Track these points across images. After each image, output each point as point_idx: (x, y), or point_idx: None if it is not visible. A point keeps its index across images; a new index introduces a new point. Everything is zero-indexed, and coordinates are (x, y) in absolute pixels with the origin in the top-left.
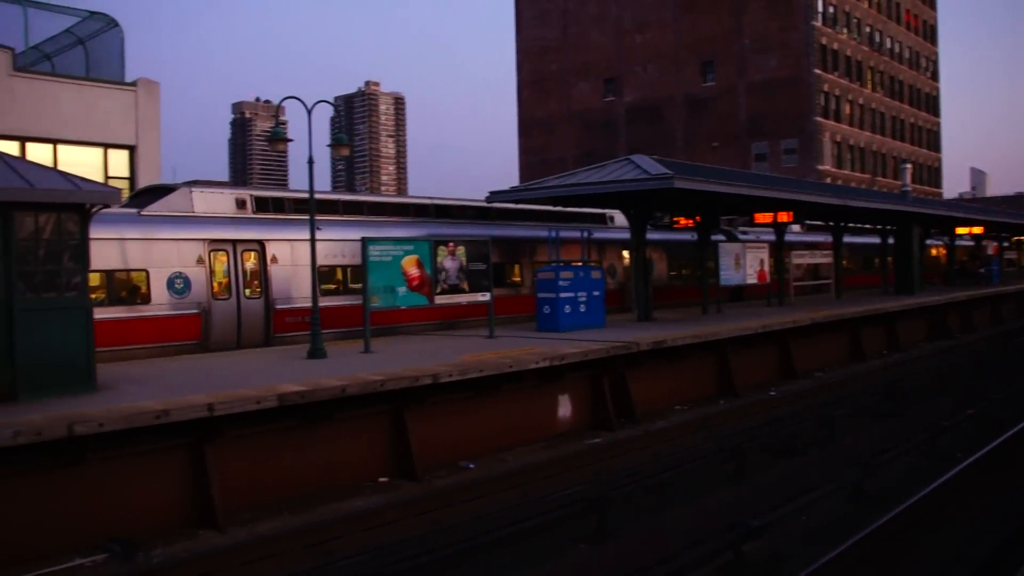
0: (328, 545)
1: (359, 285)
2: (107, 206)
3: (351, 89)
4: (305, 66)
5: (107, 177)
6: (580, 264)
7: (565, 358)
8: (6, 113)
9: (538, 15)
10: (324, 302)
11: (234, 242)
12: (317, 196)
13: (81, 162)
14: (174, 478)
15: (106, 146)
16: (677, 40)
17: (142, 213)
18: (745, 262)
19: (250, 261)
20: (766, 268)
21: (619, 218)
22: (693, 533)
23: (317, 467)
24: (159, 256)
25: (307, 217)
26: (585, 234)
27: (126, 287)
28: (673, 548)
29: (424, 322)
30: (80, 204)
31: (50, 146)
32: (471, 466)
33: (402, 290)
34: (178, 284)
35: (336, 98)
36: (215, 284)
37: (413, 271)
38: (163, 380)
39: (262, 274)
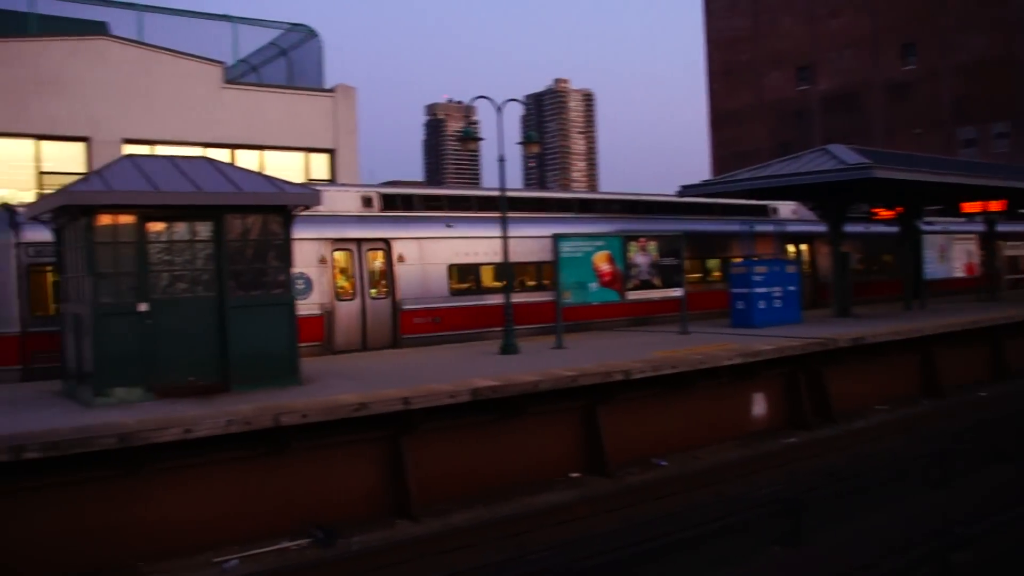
0: (520, 538)
1: (501, 283)
2: (307, 207)
3: (540, 87)
4: (496, 66)
5: (309, 180)
6: (774, 259)
7: (759, 355)
8: (218, 123)
9: (727, 5)
10: (465, 301)
11: (358, 241)
12: (452, 193)
13: (285, 167)
14: (371, 468)
15: (308, 150)
16: (874, 23)
17: None
18: (951, 255)
19: (376, 260)
20: (975, 260)
21: (782, 210)
22: (895, 539)
23: (509, 461)
24: None
25: (435, 214)
26: (779, 227)
27: None
28: (873, 554)
29: (614, 318)
30: (283, 206)
31: (257, 152)
32: (663, 463)
33: (593, 286)
34: (299, 284)
35: (526, 96)
36: (339, 284)
37: (605, 267)
38: (364, 375)
39: (388, 274)
